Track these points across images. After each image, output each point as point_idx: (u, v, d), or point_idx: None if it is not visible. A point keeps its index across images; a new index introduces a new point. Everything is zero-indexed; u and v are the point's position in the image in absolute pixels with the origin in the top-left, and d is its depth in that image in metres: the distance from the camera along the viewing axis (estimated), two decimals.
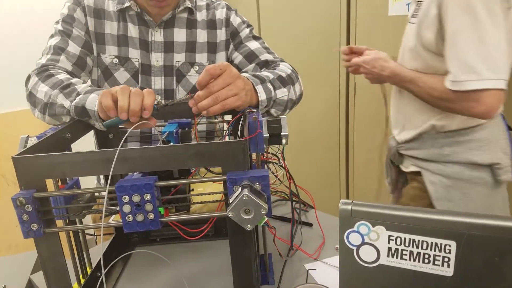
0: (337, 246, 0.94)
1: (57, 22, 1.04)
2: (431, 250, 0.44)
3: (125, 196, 0.62)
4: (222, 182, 0.64)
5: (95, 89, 0.84)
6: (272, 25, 2.37)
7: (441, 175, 1.13)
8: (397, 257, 0.45)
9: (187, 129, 0.98)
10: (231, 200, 0.60)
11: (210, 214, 0.65)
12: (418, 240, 0.44)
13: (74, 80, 0.89)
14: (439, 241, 0.43)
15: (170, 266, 0.87)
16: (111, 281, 0.87)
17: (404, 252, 0.45)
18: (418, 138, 1.17)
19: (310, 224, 1.02)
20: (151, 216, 0.63)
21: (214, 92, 0.74)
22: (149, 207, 0.63)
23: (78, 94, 0.83)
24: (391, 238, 0.45)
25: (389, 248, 0.45)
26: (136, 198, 0.62)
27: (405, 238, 0.44)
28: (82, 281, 0.82)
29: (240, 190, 0.60)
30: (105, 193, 0.71)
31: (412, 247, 0.44)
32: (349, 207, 0.47)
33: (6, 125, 2.01)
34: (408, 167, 1.24)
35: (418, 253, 0.44)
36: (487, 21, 0.94)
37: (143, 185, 0.62)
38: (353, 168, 2.17)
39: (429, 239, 0.44)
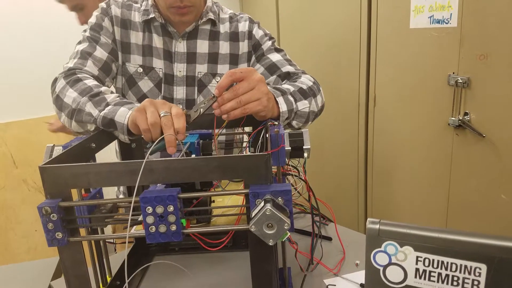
0: (358, 261, 0.93)
1: (85, 30, 1.07)
2: (460, 272, 0.43)
3: (149, 207, 0.62)
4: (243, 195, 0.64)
5: (125, 101, 0.85)
6: (291, 37, 2.38)
7: None
8: (425, 279, 0.44)
9: (207, 140, 0.98)
10: (253, 214, 0.60)
11: (231, 227, 0.65)
12: (447, 262, 0.43)
13: (103, 88, 0.90)
14: (468, 263, 0.42)
15: (189, 276, 0.87)
16: None
17: (432, 274, 0.44)
18: None
19: (329, 238, 1.00)
20: (174, 227, 0.63)
21: (240, 94, 0.75)
22: (172, 218, 0.63)
23: (108, 104, 0.84)
24: (419, 259, 0.44)
25: (417, 269, 0.44)
26: (159, 210, 0.62)
27: (433, 260, 0.43)
28: None
29: (262, 204, 0.60)
30: (127, 203, 0.71)
31: (441, 269, 0.43)
32: (377, 226, 0.46)
33: (28, 131, 2.06)
34: None
35: (447, 275, 0.43)
36: None
37: (166, 197, 0.62)
38: (371, 181, 2.14)
39: (459, 261, 0.43)
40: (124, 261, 0.92)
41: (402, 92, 1.89)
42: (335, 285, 0.82)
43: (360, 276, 0.85)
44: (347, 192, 2.27)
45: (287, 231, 0.58)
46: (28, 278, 0.96)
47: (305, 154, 0.76)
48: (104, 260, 0.84)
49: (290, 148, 0.77)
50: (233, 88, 0.76)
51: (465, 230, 1.45)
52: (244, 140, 1.07)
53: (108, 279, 0.86)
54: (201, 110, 0.76)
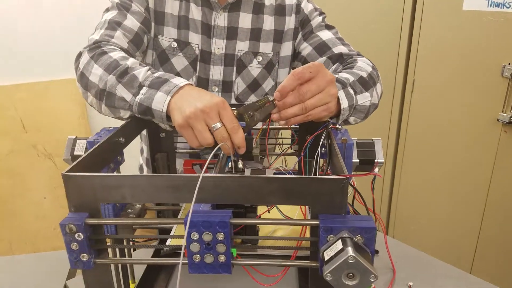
0: (411, 283, 0.82)
1: None
2: None
3: (195, 233, 0.51)
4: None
5: (160, 80, 0.71)
6: (322, 8, 2.18)
7: None
8: None
9: (247, 135, 0.86)
10: (327, 256, 0.48)
11: (291, 263, 0.54)
12: None
13: (130, 62, 0.76)
14: None
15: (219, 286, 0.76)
16: None
17: None
18: None
19: (376, 251, 0.90)
20: (222, 258, 0.52)
21: (306, 99, 0.62)
22: (221, 248, 0.51)
23: (141, 85, 0.70)
24: None
25: None
26: (207, 237, 0.51)
27: None
28: None
29: (339, 244, 0.48)
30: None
31: None
32: None
33: (39, 95, 1.92)
34: None
35: None
36: None
37: (216, 223, 0.50)
38: (399, 178, 2.00)
39: None
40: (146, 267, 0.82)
41: (446, 79, 1.73)
42: None
43: None
44: (369, 189, 2.14)
45: (372, 284, 0.46)
46: (42, 272, 0.86)
47: (376, 169, 0.64)
48: (128, 267, 0.74)
49: (358, 160, 0.64)
50: (299, 91, 0.62)
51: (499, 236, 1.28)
52: (286, 137, 0.93)
53: (131, 286, 0.76)
54: (258, 116, 0.64)
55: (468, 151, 1.73)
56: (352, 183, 0.82)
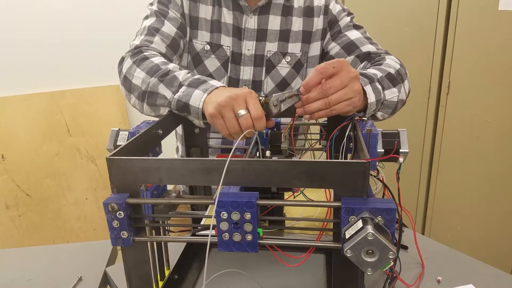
0: (439, 277, 0.82)
1: (151, 4, 0.99)
2: None
3: (224, 212, 0.55)
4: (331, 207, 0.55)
5: (198, 81, 0.76)
6: (356, 11, 2.19)
7: None
8: None
9: (275, 129, 0.89)
10: (347, 235, 0.50)
11: (314, 244, 0.56)
12: None
13: (171, 66, 0.83)
14: None
15: (249, 272, 0.79)
16: (189, 284, 0.82)
17: None
18: None
19: (405, 247, 0.90)
20: (249, 237, 0.56)
21: (329, 95, 0.65)
22: (248, 227, 0.55)
23: (180, 85, 0.76)
24: None
25: None
26: (235, 216, 0.55)
27: None
28: (160, 283, 0.77)
29: (359, 223, 0.50)
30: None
31: None
32: None
33: (83, 100, 2.05)
34: None
35: None
36: None
37: (244, 203, 0.54)
38: (435, 181, 1.96)
39: None
40: (180, 255, 0.86)
41: (482, 80, 1.69)
42: None
43: None
44: (406, 192, 2.11)
45: (391, 261, 0.48)
46: (83, 261, 0.92)
47: (401, 159, 0.65)
48: (163, 252, 0.79)
49: (383, 150, 0.66)
50: (322, 86, 0.65)
51: None
52: (314, 132, 0.96)
53: (166, 272, 0.81)
54: (282, 106, 0.67)
55: (506, 154, 1.67)
56: (381, 179, 0.84)
